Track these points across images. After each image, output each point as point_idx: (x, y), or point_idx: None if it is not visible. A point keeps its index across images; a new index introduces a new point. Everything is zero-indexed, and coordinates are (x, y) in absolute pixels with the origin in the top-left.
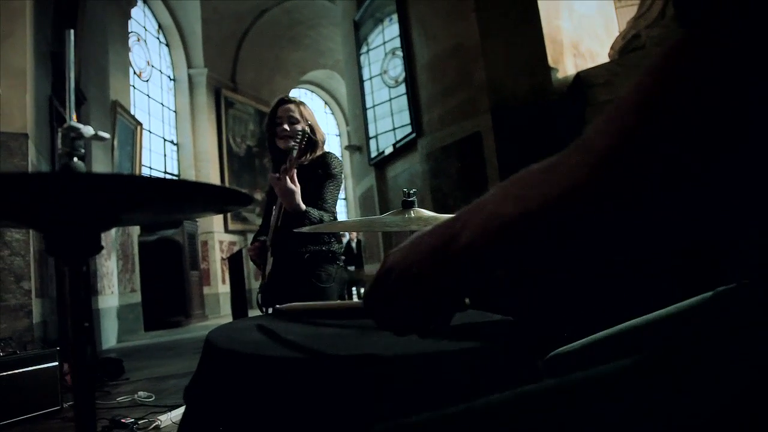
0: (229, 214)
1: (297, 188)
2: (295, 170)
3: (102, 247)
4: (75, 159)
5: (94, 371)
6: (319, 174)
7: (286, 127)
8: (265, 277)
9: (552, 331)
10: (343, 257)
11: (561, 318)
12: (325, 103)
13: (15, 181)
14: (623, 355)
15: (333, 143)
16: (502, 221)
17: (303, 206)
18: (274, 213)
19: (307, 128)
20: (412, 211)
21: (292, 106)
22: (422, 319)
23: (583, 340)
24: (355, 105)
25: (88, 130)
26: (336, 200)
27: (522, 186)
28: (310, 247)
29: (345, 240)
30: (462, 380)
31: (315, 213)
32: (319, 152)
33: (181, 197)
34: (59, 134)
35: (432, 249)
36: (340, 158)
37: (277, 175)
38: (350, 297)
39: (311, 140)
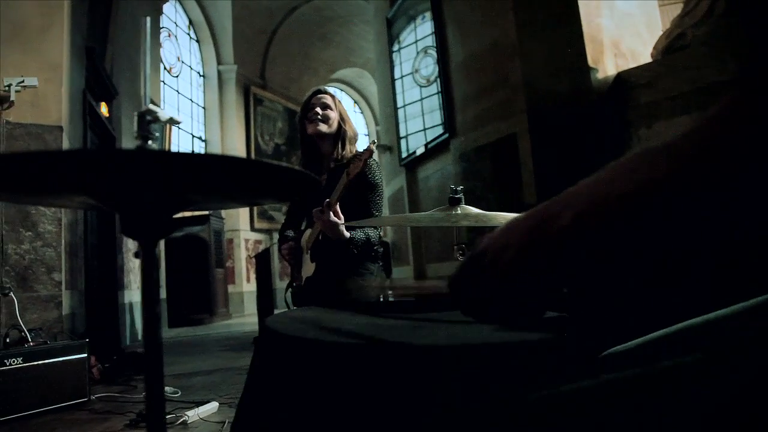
0: (255, 213)
1: (341, 220)
2: (338, 204)
3: (175, 228)
4: (149, 142)
5: (119, 365)
6: (359, 183)
7: (318, 110)
8: (298, 279)
9: (609, 328)
10: (380, 262)
11: (619, 315)
12: (355, 102)
13: (95, 158)
14: (682, 353)
15: (363, 143)
16: (612, 198)
17: (347, 234)
18: (312, 229)
19: (373, 146)
20: (458, 208)
21: (327, 96)
22: (514, 304)
23: (641, 338)
24: (385, 104)
25: (164, 114)
26: (381, 211)
27: (635, 164)
28: (357, 240)
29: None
30: (521, 373)
31: (360, 236)
32: (351, 148)
33: (253, 178)
34: (135, 117)
35: (529, 230)
36: (378, 163)
37: (321, 208)
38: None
39: (343, 135)
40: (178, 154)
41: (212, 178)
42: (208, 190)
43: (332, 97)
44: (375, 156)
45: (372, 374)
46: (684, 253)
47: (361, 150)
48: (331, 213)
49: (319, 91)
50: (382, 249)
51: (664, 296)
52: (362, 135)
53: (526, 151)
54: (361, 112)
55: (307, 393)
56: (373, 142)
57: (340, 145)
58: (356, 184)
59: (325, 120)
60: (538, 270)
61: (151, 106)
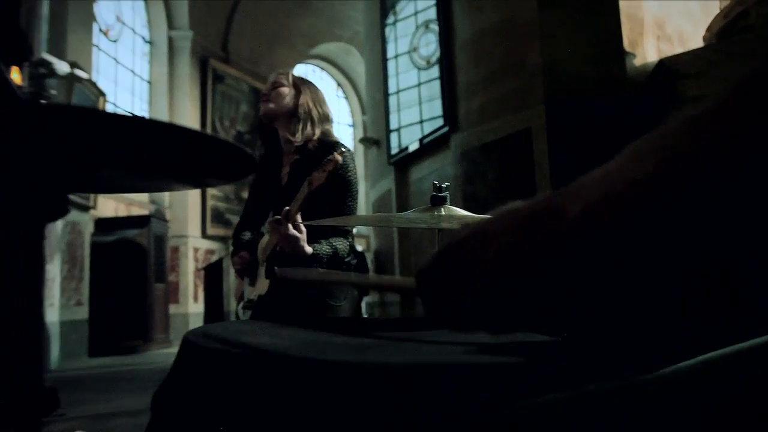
0: (209, 215)
1: (302, 234)
2: (299, 214)
3: (68, 210)
4: (42, 102)
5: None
6: (329, 178)
7: (265, 88)
8: (251, 295)
9: (610, 358)
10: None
11: (627, 342)
12: (338, 84)
13: None
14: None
15: (345, 135)
16: (631, 183)
17: (309, 250)
18: (270, 236)
19: (339, 158)
20: (443, 209)
21: (283, 75)
22: (503, 307)
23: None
24: (375, 89)
25: (62, 67)
26: (355, 213)
27: (658, 144)
28: (322, 255)
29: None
30: (494, 398)
31: (325, 249)
32: (317, 131)
33: (168, 148)
34: (25, 70)
35: (524, 223)
36: (353, 153)
37: (277, 218)
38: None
39: (300, 113)
40: (67, 108)
41: (114, 143)
42: (110, 159)
43: (289, 74)
44: (359, 150)
45: (327, 394)
46: (721, 260)
47: (328, 158)
48: (290, 225)
49: (280, 72)
50: (355, 260)
51: (691, 319)
52: (346, 126)
53: (542, 150)
54: (346, 98)
55: (214, 404)
56: (342, 151)
57: (300, 126)
58: (326, 181)
59: (274, 98)
60: (529, 272)
61: (47, 56)
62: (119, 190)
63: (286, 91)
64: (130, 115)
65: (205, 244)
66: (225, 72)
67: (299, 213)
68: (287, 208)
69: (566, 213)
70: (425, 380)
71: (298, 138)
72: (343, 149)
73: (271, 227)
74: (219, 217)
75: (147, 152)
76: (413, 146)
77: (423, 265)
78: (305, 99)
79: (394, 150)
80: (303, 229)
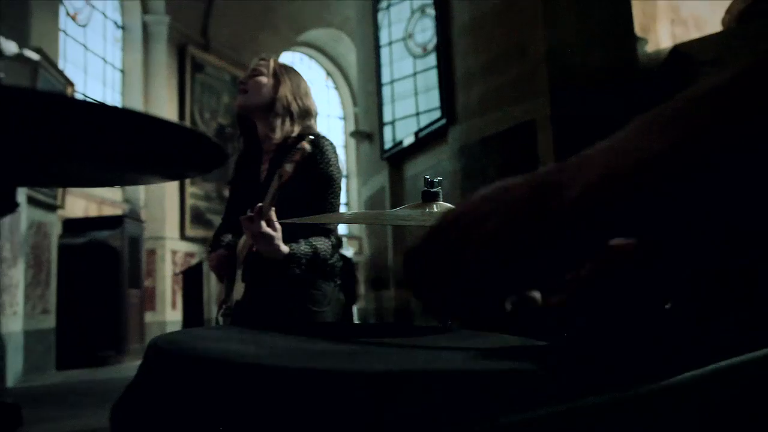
0: (188, 216)
1: (277, 233)
2: (273, 209)
3: (17, 204)
4: None
5: None
6: (307, 174)
7: (242, 77)
8: (229, 300)
9: (611, 362)
10: (337, 280)
11: (632, 343)
12: (328, 74)
13: None
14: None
15: (336, 128)
16: (641, 159)
17: (285, 250)
18: (245, 238)
19: (307, 146)
20: (435, 205)
21: (264, 62)
22: (498, 291)
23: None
24: (367, 78)
25: (9, 47)
26: (338, 211)
27: (671, 118)
28: (299, 254)
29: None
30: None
31: (304, 249)
32: (296, 127)
33: (128, 136)
34: None
35: (523, 199)
36: (334, 145)
37: (249, 215)
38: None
39: (279, 107)
40: (12, 89)
41: (67, 130)
42: (65, 149)
43: (272, 60)
44: (343, 143)
45: (314, 404)
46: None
47: (296, 149)
48: (263, 223)
49: (261, 59)
50: (341, 263)
51: (706, 318)
52: (336, 118)
53: (547, 143)
54: (336, 88)
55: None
56: (312, 139)
57: (278, 122)
58: (303, 175)
59: (247, 90)
60: (525, 252)
61: None
62: (69, 184)
63: (264, 81)
64: (71, 97)
65: (184, 247)
66: (205, 60)
67: (273, 209)
68: (259, 204)
69: (567, 190)
70: (410, 389)
71: (277, 135)
72: (313, 137)
73: (244, 226)
74: (199, 218)
75: (97, 140)
76: (408, 140)
77: (412, 246)
78: (284, 91)
79: (388, 144)
80: (278, 226)
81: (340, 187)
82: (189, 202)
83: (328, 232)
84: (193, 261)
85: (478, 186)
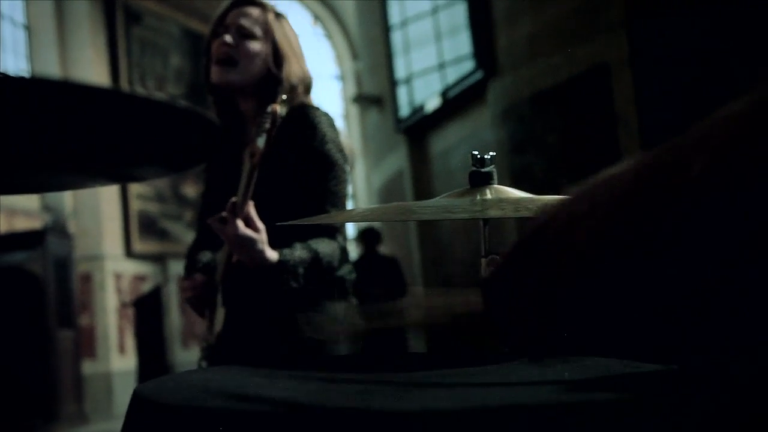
0: (135, 224)
1: (259, 234)
2: (252, 204)
3: None
4: None
5: None
6: (296, 156)
7: (227, 39)
8: (210, 335)
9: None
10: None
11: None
12: (316, 17)
13: None
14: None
15: (329, 93)
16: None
17: (273, 256)
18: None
19: (277, 107)
20: (487, 190)
21: (252, 10)
22: (588, 317)
23: None
24: (370, 21)
25: None
26: (341, 206)
27: None
28: (294, 262)
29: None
30: None
31: (300, 255)
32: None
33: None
34: None
35: (632, 185)
36: (331, 117)
37: (221, 215)
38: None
39: (276, 84)
40: None
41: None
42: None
43: (265, 11)
44: (341, 111)
45: None
46: None
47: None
48: (240, 223)
49: (240, 2)
50: (354, 274)
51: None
52: (330, 78)
53: (626, 94)
54: (328, 37)
55: None
56: (281, 101)
57: (280, 100)
58: (288, 157)
59: (238, 61)
60: (647, 250)
61: None
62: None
63: (258, 48)
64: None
65: (132, 268)
66: (142, 6)
67: (251, 204)
68: (233, 199)
69: (688, 169)
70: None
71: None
72: (284, 97)
73: (215, 228)
74: (150, 226)
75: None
76: (432, 103)
77: (489, 274)
78: (292, 66)
79: (404, 111)
80: (260, 226)
81: (344, 171)
82: (135, 206)
83: (333, 231)
84: (146, 286)
85: (531, 159)
